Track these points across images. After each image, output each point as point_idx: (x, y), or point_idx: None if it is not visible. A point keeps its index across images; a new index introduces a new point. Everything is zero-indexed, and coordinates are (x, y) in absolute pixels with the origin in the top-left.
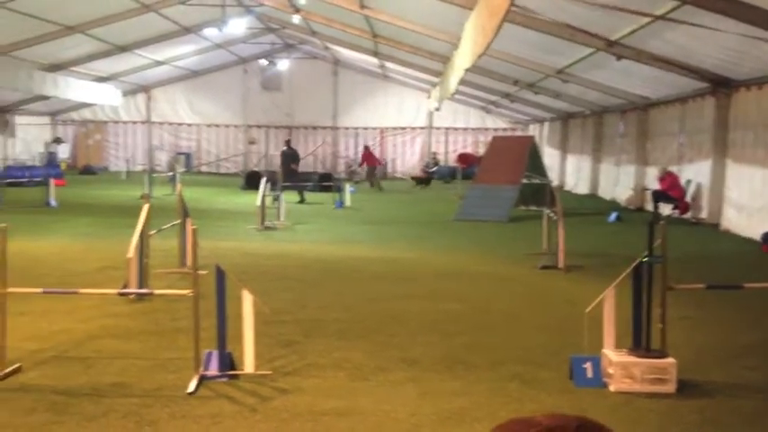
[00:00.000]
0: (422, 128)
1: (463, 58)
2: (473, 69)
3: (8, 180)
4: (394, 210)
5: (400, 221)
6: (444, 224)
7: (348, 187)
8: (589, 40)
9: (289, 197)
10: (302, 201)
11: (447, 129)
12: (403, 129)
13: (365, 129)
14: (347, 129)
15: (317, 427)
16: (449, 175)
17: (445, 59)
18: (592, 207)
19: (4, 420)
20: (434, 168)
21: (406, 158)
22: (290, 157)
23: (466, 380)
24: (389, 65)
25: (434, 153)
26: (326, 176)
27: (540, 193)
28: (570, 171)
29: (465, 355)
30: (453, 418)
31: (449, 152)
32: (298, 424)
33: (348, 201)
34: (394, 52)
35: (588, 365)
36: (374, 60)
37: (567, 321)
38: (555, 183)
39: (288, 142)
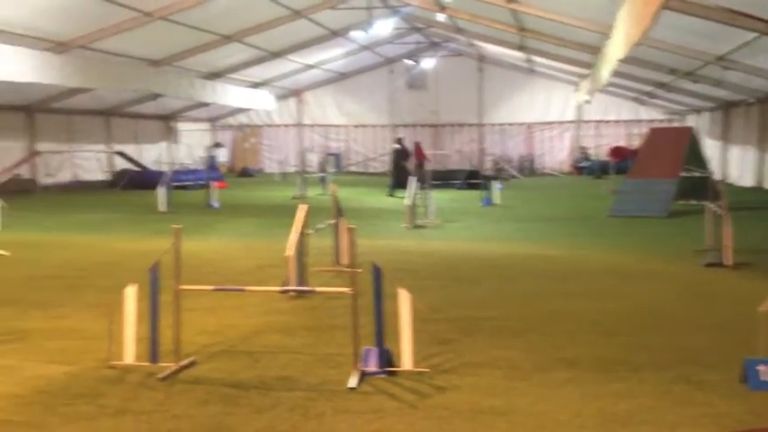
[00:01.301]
0: (570, 122)
1: (616, 48)
2: (626, 60)
3: (175, 183)
4: (544, 206)
5: (551, 218)
6: (598, 220)
7: (496, 184)
8: (751, 24)
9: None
10: (392, 195)
11: (597, 122)
12: (551, 123)
13: (511, 125)
14: (493, 125)
15: (477, 425)
16: (600, 170)
17: (595, 50)
18: (758, 200)
19: (181, 411)
20: (584, 163)
21: (554, 154)
22: (402, 154)
23: (629, 381)
24: (536, 59)
25: (584, 147)
26: (474, 174)
27: (700, 187)
28: (733, 162)
29: (627, 356)
30: (618, 420)
31: (599, 146)
32: (457, 422)
33: (496, 198)
34: (541, 45)
35: (764, 368)
36: (520, 55)
37: (735, 321)
38: (716, 175)
39: (399, 140)
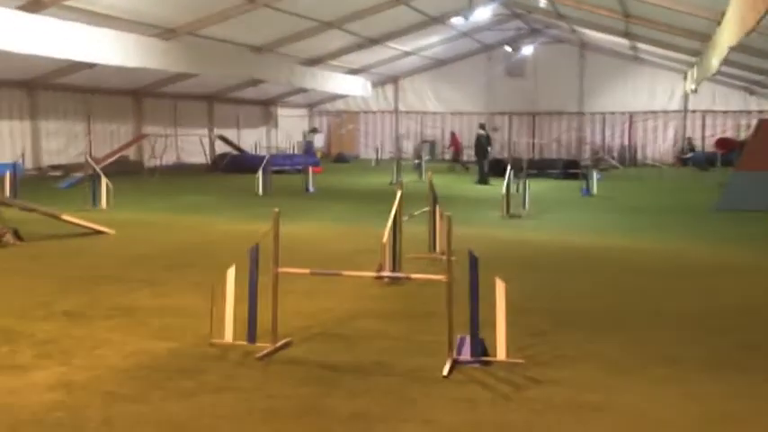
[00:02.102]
0: (676, 111)
1: (728, 35)
2: (738, 47)
3: (273, 168)
4: (645, 198)
5: (653, 210)
6: (703, 213)
7: (595, 174)
8: None
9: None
10: (484, 182)
11: (704, 112)
12: (654, 113)
13: (612, 113)
14: (594, 114)
15: (573, 420)
16: (705, 162)
17: (705, 38)
18: None
19: (278, 391)
20: (690, 154)
21: (657, 144)
22: (486, 139)
23: (737, 383)
24: (641, 45)
25: (689, 138)
26: (572, 163)
27: None
28: None
29: (735, 356)
30: (723, 422)
31: (705, 137)
32: (553, 416)
33: (595, 188)
34: (647, 32)
35: None
36: (624, 42)
37: None
38: None
39: (483, 125)
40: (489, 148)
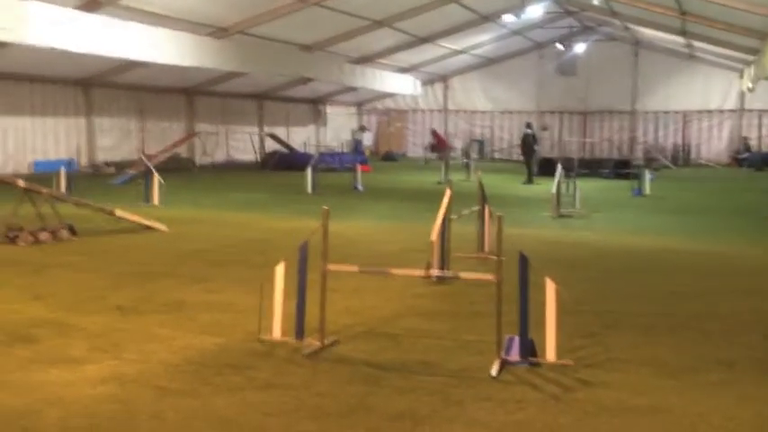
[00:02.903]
0: (731, 111)
1: None
2: None
3: (322, 166)
4: (698, 198)
5: (706, 211)
6: (759, 216)
7: (647, 174)
8: None
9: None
10: (531, 182)
11: (761, 111)
12: (709, 112)
13: (666, 113)
14: (646, 113)
15: (624, 423)
16: (761, 163)
17: (763, 35)
18: None
19: (326, 389)
20: (745, 155)
21: (711, 144)
22: (533, 138)
23: None
24: (696, 43)
25: (745, 138)
26: (624, 163)
27: None
28: None
29: None
30: None
31: (762, 137)
32: (604, 418)
33: (647, 188)
34: (703, 30)
35: None
36: (679, 39)
37: None
38: None
39: (529, 124)
40: (536, 148)
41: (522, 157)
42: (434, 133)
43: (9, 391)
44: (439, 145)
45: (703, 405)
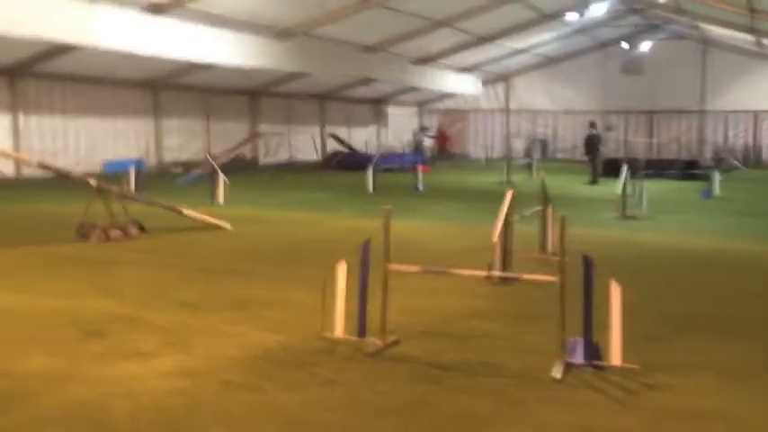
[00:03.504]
0: None
1: None
2: None
3: (383, 166)
4: None
5: None
6: None
7: (717, 175)
8: None
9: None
10: (595, 183)
11: None
12: None
13: (736, 112)
14: (716, 113)
15: (691, 428)
16: None
17: None
18: None
19: (387, 387)
20: None
21: None
22: (598, 138)
23: None
24: (767, 41)
25: None
26: (692, 164)
27: None
28: None
29: None
30: None
31: None
32: (670, 423)
33: (717, 190)
34: None
35: None
36: (749, 38)
37: None
38: None
39: (593, 124)
40: (600, 147)
41: (585, 157)
42: (438, 131)
43: (82, 384)
44: (440, 143)
45: None
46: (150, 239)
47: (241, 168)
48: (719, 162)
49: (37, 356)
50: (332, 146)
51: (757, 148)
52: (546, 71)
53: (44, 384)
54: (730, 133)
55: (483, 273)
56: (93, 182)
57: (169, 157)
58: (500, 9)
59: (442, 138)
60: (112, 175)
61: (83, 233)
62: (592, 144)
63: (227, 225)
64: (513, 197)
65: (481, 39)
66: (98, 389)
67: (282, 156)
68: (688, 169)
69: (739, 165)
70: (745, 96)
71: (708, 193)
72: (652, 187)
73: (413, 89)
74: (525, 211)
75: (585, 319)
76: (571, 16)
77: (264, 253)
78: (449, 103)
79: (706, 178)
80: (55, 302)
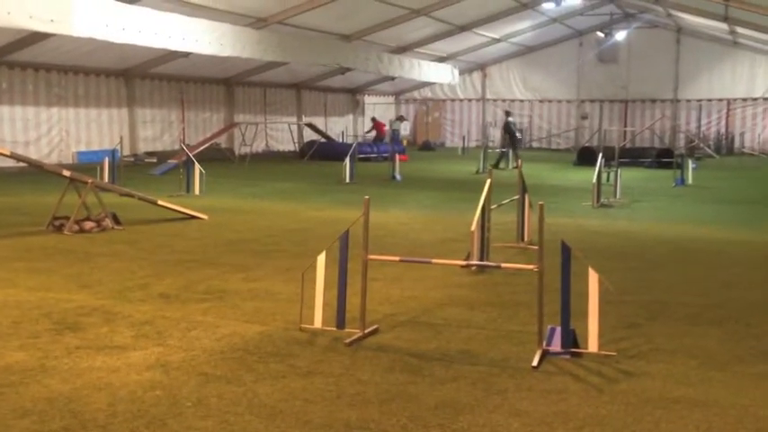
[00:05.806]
0: None
1: None
2: None
3: (360, 156)
4: (744, 188)
5: (752, 201)
6: None
7: (690, 164)
8: None
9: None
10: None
11: None
12: (754, 100)
13: (709, 101)
14: (689, 101)
15: (669, 414)
16: None
17: None
18: None
19: (367, 377)
20: None
21: (756, 132)
22: (514, 125)
23: None
24: (740, 30)
25: None
26: (666, 152)
27: None
28: None
29: None
30: None
31: None
32: (647, 409)
33: (690, 178)
34: (747, 16)
35: None
36: (723, 26)
37: None
38: None
39: (508, 113)
40: (517, 134)
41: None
42: (374, 121)
43: (58, 377)
44: (379, 134)
45: (750, 397)
46: (125, 231)
47: (217, 158)
48: (692, 150)
49: (12, 350)
50: (309, 135)
51: (730, 136)
52: (522, 60)
53: (20, 378)
54: (703, 121)
55: (462, 262)
56: (66, 173)
57: (144, 147)
58: None
59: (378, 127)
60: (86, 165)
61: (56, 225)
62: (508, 131)
63: (203, 216)
64: (492, 186)
65: (458, 28)
66: (75, 382)
67: (259, 145)
68: (661, 157)
69: (712, 153)
70: (718, 85)
71: (681, 182)
72: (627, 176)
73: (389, 78)
74: (499, 200)
75: (563, 307)
76: (548, 5)
77: (242, 243)
78: (426, 93)
79: (679, 166)
80: (29, 295)
